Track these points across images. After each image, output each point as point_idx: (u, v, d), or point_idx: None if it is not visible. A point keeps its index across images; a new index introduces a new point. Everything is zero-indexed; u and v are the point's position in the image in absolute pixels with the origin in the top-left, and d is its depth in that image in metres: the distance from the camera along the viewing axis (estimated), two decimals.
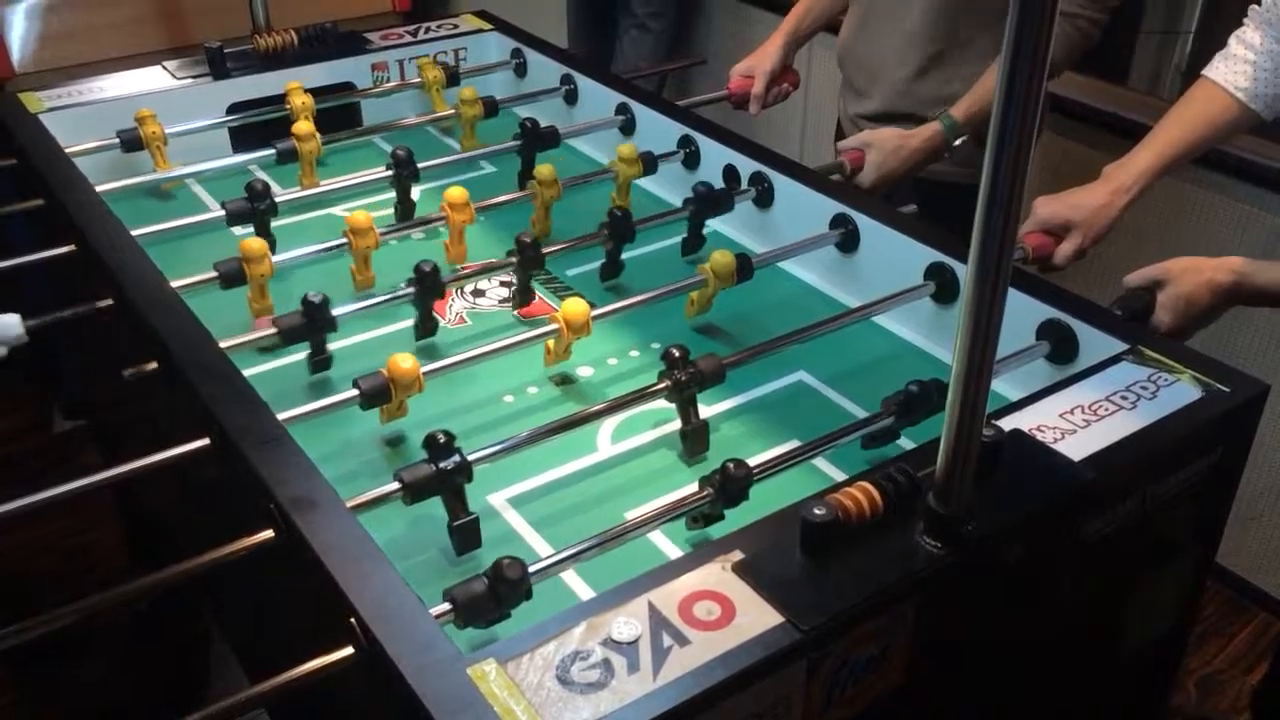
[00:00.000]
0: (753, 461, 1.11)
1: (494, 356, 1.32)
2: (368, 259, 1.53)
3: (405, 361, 1.20)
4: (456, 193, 1.57)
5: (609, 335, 1.45)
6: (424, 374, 1.23)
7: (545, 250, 1.49)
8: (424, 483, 1.06)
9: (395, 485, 1.06)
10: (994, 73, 1.74)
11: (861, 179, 1.75)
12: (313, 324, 1.33)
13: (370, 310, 1.42)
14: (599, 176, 1.75)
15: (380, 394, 1.21)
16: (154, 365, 1.25)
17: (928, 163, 1.78)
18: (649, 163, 1.74)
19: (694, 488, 1.10)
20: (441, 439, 1.08)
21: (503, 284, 1.59)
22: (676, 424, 1.27)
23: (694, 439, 1.25)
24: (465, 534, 1.10)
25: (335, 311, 1.34)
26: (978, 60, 1.78)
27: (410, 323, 1.46)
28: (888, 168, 1.74)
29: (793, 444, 1.25)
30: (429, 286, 1.41)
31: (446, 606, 0.93)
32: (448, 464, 1.07)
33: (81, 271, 1.50)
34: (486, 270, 1.52)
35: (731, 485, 1.08)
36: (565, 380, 1.40)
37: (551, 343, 1.35)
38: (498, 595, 0.94)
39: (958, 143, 1.76)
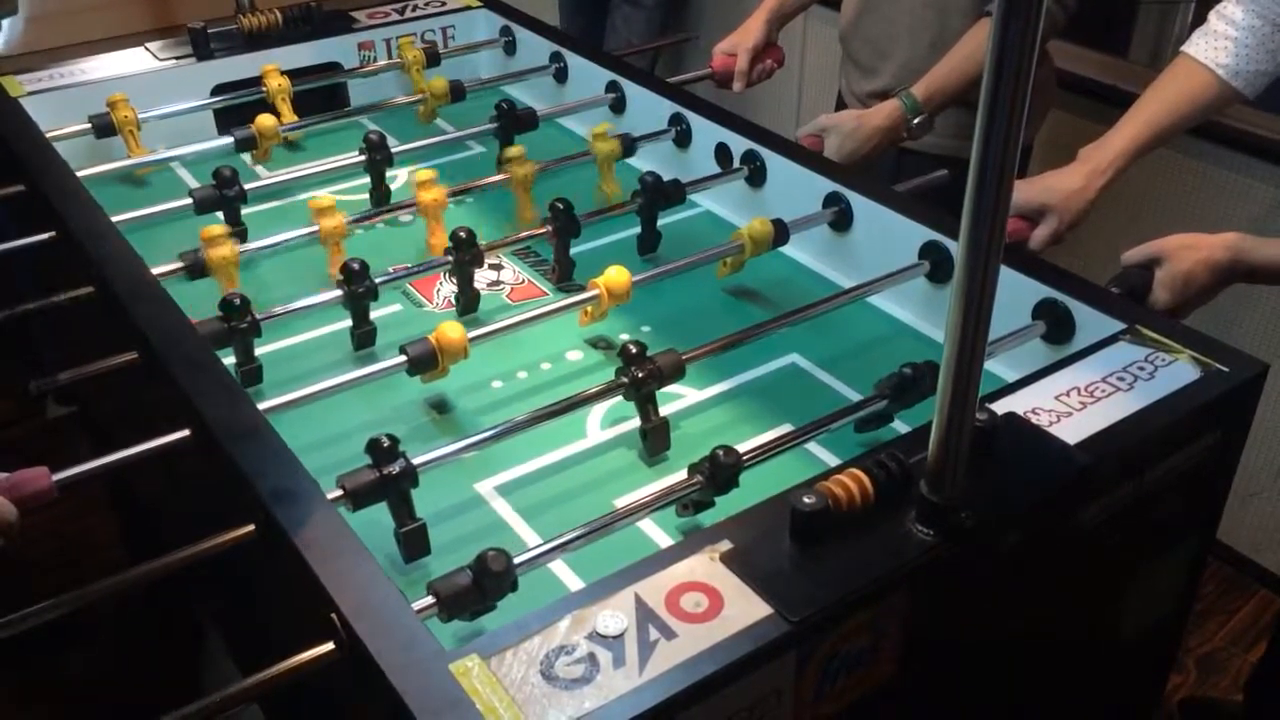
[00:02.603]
0: (744, 446, 1.09)
1: (499, 336, 1.31)
2: (340, 245, 1.45)
3: (453, 331, 1.22)
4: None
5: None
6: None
7: (484, 247, 1.43)
8: (367, 489, 1.02)
9: (338, 492, 1.02)
10: (958, 52, 1.74)
11: None
12: (235, 328, 1.26)
13: (295, 314, 1.35)
14: (579, 158, 1.71)
15: (427, 361, 1.21)
16: (64, 375, 1.23)
17: (889, 142, 1.76)
18: (627, 143, 1.70)
19: (684, 474, 1.08)
20: (385, 443, 1.04)
21: (491, 266, 1.56)
22: (666, 409, 1.25)
23: (654, 438, 1.21)
24: (413, 541, 1.06)
25: (260, 316, 1.28)
26: None
27: (394, 308, 1.43)
28: (847, 150, 1.72)
29: (785, 428, 1.23)
30: (359, 287, 1.33)
31: (429, 600, 0.92)
32: (392, 469, 1.03)
33: (63, 258, 1.48)
34: (416, 272, 1.45)
35: (721, 472, 1.06)
36: (553, 364, 1.38)
37: (590, 308, 1.34)
38: (482, 588, 0.92)
39: (916, 121, 1.73)
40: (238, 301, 1.26)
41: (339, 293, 1.34)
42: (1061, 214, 1.45)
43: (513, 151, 1.63)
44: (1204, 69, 1.43)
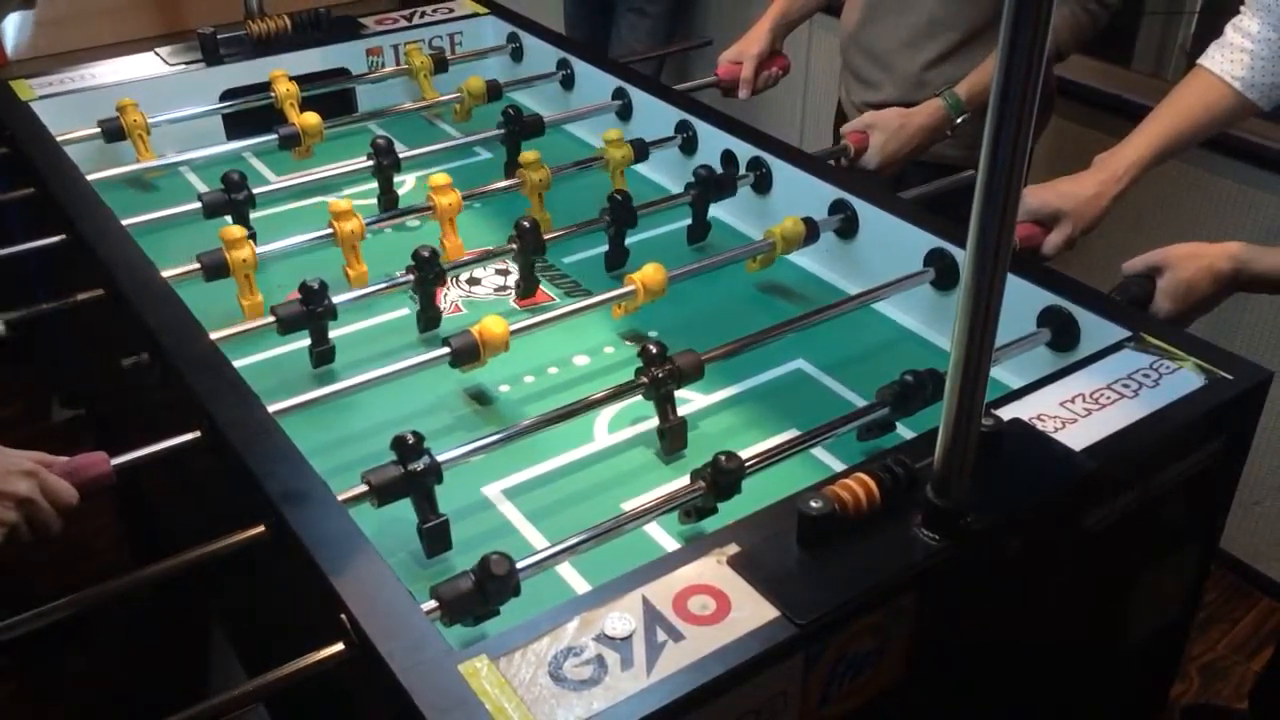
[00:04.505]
0: (749, 452, 1.10)
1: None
2: (356, 249, 1.49)
3: (497, 326, 1.25)
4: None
5: (602, 324, 1.44)
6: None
7: (546, 236, 1.46)
8: (392, 485, 1.03)
9: (363, 488, 1.03)
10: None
11: (865, 161, 1.73)
12: (313, 312, 1.30)
13: (363, 300, 1.39)
14: (591, 163, 1.73)
15: (470, 353, 1.24)
16: (148, 356, 1.24)
17: (932, 142, 1.76)
18: (640, 149, 1.71)
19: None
20: (410, 440, 1.05)
21: (499, 272, 1.57)
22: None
23: (671, 437, 1.22)
24: (435, 536, 1.08)
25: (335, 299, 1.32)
26: (992, 47, 1.76)
27: (401, 313, 1.44)
28: (890, 149, 1.73)
29: (791, 433, 1.24)
30: (429, 273, 1.37)
31: (435, 603, 0.92)
32: (416, 465, 1.04)
33: (73, 260, 1.49)
34: (486, 258, 1.49)
35: (723, 478, 1.06)
36: (560, 368, 1.39)
37: (625, 303, 1.37)
38: (485, 592, 0.93)
39: (960, 120, 1.74)
40: (316, 286, 1.30)
41: (410, 278, 1.38)
42: (1075, 220, 1.45)
43: (529, 156, 1.64)
44: (1219, 81, 1.43)
